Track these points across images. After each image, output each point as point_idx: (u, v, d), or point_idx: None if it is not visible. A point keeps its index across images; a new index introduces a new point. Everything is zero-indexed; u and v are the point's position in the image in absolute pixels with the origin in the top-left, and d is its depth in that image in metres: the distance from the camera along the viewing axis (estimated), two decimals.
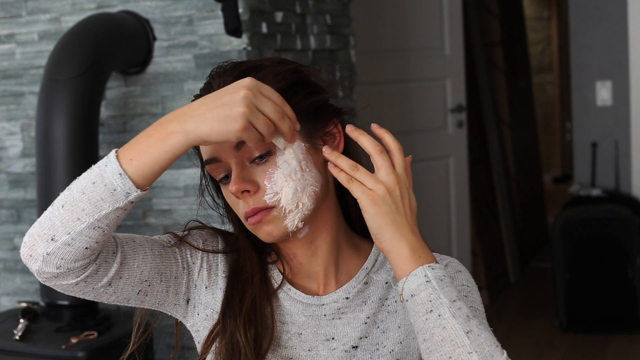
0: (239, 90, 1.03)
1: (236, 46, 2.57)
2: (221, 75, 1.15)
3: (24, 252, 1.06)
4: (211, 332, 1.19)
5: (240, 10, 2.53)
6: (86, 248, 1.05)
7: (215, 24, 2.59)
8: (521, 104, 5.53)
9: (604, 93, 4.42)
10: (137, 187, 1.04)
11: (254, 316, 1.18)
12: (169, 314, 1.22)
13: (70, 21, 2.75)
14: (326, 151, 1.14)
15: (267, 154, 1.12)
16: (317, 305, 1.20)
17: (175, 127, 1.03)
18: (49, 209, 1.06)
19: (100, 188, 1.04)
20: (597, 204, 4.16)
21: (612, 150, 4.41)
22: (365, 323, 1.19)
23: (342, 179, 1.11)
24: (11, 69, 2.87)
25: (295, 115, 1.09)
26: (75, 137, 2.44)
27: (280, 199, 1.12)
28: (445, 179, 4.26)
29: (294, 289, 1.21)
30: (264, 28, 2.67)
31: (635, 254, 4.01)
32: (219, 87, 1.13)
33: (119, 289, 1.12)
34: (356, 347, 1.19)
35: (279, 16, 2.75)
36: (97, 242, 1.05)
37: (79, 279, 1.07)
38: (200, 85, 1.20)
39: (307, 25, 2.92)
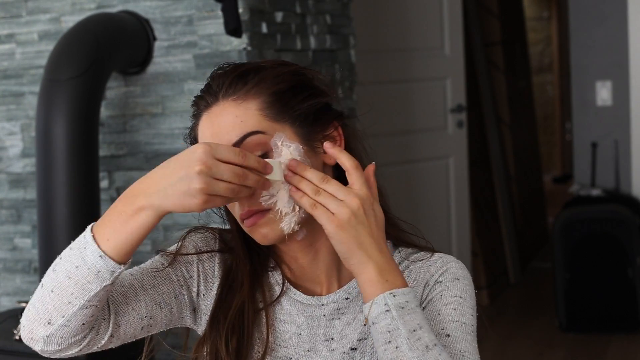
0: (193, 165, 1.02)
1: (236, 46, 2.57)
2: (221, 77, 1.16)
3: (24, 335, 1.09)
4: (201, 338, 1.20)
5: (240, 10, 2.53)
6: (83, 324, 1.07)
7: (215, 24, 2.59)
8: (521, 104, 5.53)
9: (604, 93, 4.42)
10: (120, 263, 1.06)
11: (240, 325, 1.18)
12: (181, 326, 1.23)
13: (70, 21, 2.75)
14: (325, 147, 1.14)
15: (264, 156, 1.12)
16: (317, 305, 1.20)
17: (142, 201, 1.05)
18: (40, 291, 1.07)
19: (84, 271, 1.05)
20: (597, 204, 4.16)
21: (612, 150, 4.41)
22: (364, 324, 1.18)
23: (305, 204, 1.09)
24: (11, 69, 2.87)
25: (258, 165, 1.08)
26: (75, 137, 2.44)
27: (276, 201, 1.11)
28: (445, 179, 4.26)
29: (293, 289, 1.21)
30: (264, 28, 2.67)
31: (635, 254, 4.01)
32: (219, 88, 1.14)
33: (121, 335, 1.13)
34: (355, 349, 1.18)
35: (279, 16, 2.75)
36: (92, 316, 1.07)
37: (81, 346, 1.10)
38: (201, 85, 1.20)
39: (307, 25, 2.91)
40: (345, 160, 1.11)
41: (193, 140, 1.20)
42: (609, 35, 4.37)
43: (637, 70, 4.26)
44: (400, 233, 1.24)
